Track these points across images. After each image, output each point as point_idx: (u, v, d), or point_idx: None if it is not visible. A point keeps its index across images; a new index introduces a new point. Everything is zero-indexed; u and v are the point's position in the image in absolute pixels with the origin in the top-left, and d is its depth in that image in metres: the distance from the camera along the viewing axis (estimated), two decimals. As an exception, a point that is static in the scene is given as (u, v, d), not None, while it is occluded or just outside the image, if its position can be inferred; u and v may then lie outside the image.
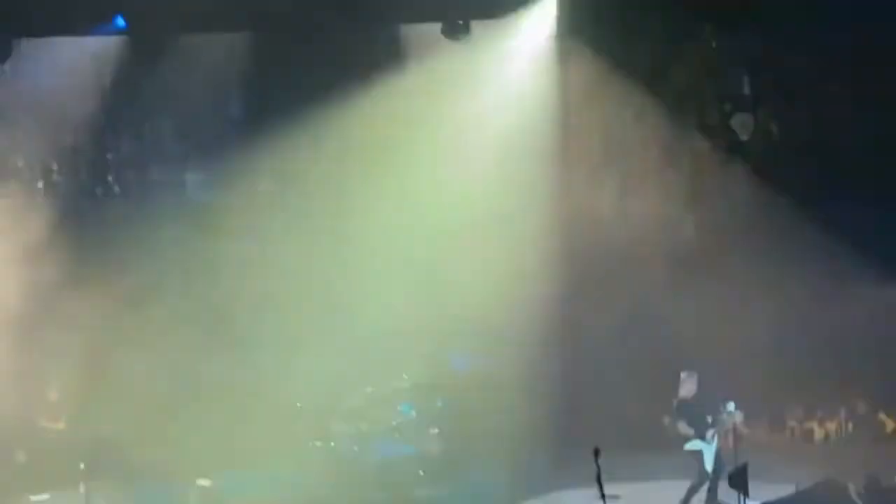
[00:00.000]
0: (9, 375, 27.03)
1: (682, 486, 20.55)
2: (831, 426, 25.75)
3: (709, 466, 20.19)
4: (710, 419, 20.32)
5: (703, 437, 20.22)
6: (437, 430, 23.29)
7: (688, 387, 20.60)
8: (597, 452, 15.34)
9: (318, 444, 22.92)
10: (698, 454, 20.27)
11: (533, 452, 25.68)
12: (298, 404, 24.25)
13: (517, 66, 25.91)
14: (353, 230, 25.83)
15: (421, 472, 22.47)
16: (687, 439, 20.31)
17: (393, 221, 25.55)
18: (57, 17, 24.73)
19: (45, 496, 24.98)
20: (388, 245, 25.41)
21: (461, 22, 24.99)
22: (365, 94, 25.43)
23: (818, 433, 25.79)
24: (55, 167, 26.99)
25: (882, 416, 25.61)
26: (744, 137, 26.41)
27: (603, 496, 15.42)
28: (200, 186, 27.68)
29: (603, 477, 15.31)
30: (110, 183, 27.51)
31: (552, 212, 25.75)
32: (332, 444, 22.81)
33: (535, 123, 25.78)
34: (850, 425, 25.79)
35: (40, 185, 26.67)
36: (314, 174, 25.95)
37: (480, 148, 25.59)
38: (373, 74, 25.78)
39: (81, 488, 23.97)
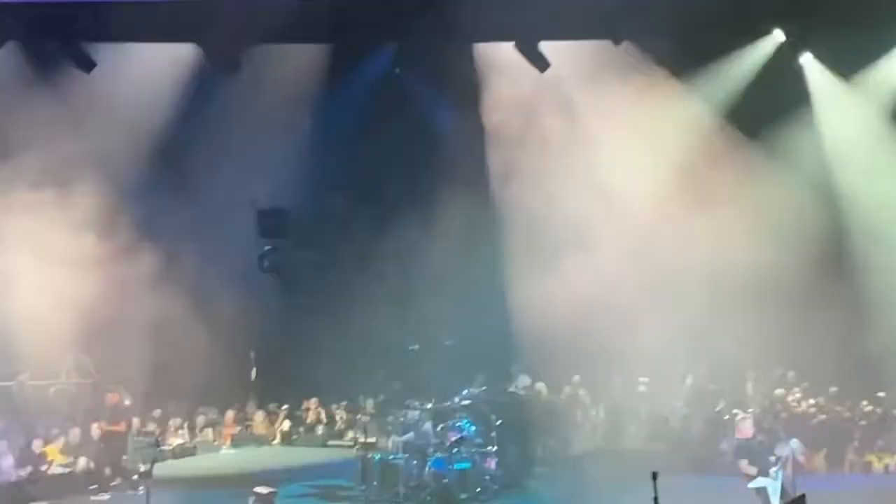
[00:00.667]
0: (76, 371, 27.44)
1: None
2: (890, 460, 25.68)
3: (775, 502, 20.09)
4: (771, 457, 20.22)
5: (766, 474, 20.13)
6: (495, 448, 23.25)
7: (745, 426, 20.52)
8: (654, 476, 15.35)
9: (378, 456, 22.95)
10: (763, 491, 20.17)
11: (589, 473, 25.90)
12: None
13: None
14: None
15: (478, 490, 22.45)
16: (751, 478, 20.23)
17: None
18: (137, 27, 24.99)
19: (105, 496, 25.20)
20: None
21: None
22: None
23: (877, 465, 25.71)
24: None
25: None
26: None
27: (660, 519, 15.41)
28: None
29: (660, 500, 15.34)
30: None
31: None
32: (391, 456, 22.84)
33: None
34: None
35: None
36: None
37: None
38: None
39: (141, 489, 24.20)
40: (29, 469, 25.86)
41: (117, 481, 25.66)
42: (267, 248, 28.06)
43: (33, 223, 25.47)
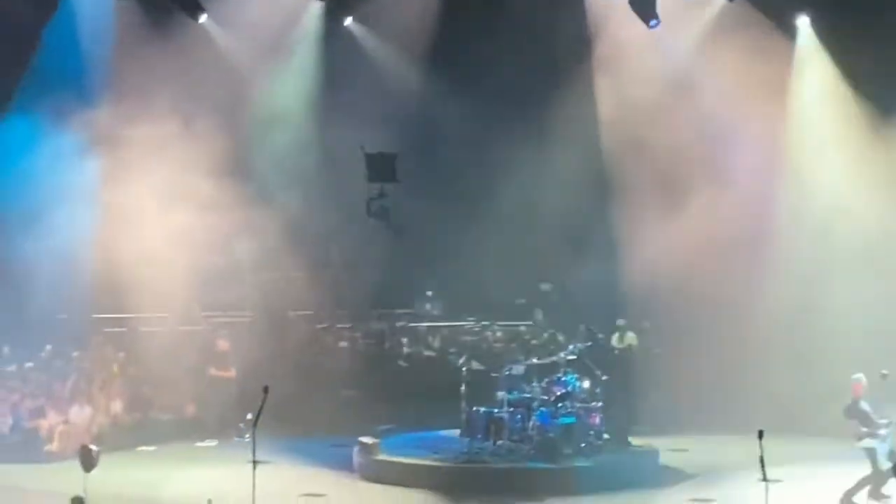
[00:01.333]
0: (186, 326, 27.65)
1: (845, 474, 20.13)
2: None
3: (883, 463, 19.77)
4: (883, 419, 19.90)
5: (876, 436, 19.83)
6: (600, 403, 23.08)
7: (859, 387, 20.21)
8: (761, 434, 15.18)
9: (483, 409, 22.88)
10: (872, 451, 19.88)
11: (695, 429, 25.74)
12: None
13: None
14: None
15: (582, 445, 22.33)
16: (860, 437, 19.93)
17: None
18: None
19: (212, 442, 25.44)
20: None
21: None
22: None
23: None
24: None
25: None
26: None
27: (765, 477, 15.24)
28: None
29: (765, 458, 15.18)
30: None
31: None
32: (496, 410, 22.77)
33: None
34: None
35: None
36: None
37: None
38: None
39: (247, 437, 24.39)
40: (137, 414, 26.22)
41: (224, 428, 25.91)
42: (375, 193, 27.94)
43: (151, 167, 25.62)
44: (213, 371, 25.89)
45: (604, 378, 23.49)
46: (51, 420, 24.81)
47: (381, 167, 27.81)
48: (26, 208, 24.95)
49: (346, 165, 27.69)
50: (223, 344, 26.08)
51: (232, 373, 25.79)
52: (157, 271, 25.35)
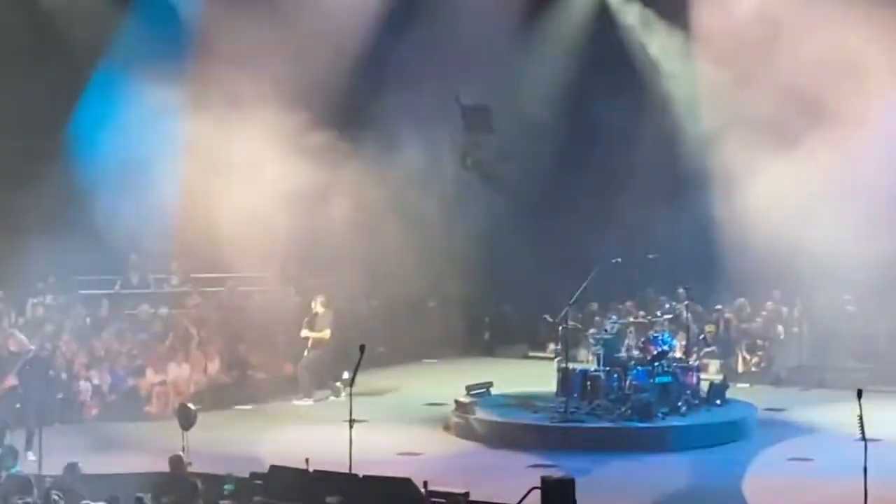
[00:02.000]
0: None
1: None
2: None
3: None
4: None
5: None
6: (696, 362, 22.95)
7: None
8: (860, 394, 15.00)
9: (579, 368, 22.84)
10: None
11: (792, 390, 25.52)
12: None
13: None
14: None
15: (679, 404, 22.20)
16: None
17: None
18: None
19: (308, 401, 25.58)
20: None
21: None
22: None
23: None
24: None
25: None
26: None
27: (864, 436, 15.06)
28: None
29: (864, 418, 15.00)
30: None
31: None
32: (592, 369, 22.71)
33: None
34: None
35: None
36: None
37: None
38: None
39: (342, 395, 24.53)
40: (234, 373, 26.42)
41: (320, 387, 26.04)
42: (470, 146, 27.86)
43: (250, 124, 25.72)
44: (307, 331, 25.96)
45: (700, 337, 23.36)
46: (149, 379, 25.07)
47: (476, 119, 27.72)
48: (124, 163, 25.12)
49: (440, 117, 27.60)
50: (318, 303, 26.14)
51: (326, 333, 25.88)
52: (255, 230, 25.47)
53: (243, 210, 25.47)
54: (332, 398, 25.47)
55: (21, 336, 21.87)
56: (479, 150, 28.05)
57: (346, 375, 23.76)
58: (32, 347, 21.76)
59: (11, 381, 21.08)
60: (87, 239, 24.86)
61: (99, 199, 25.32)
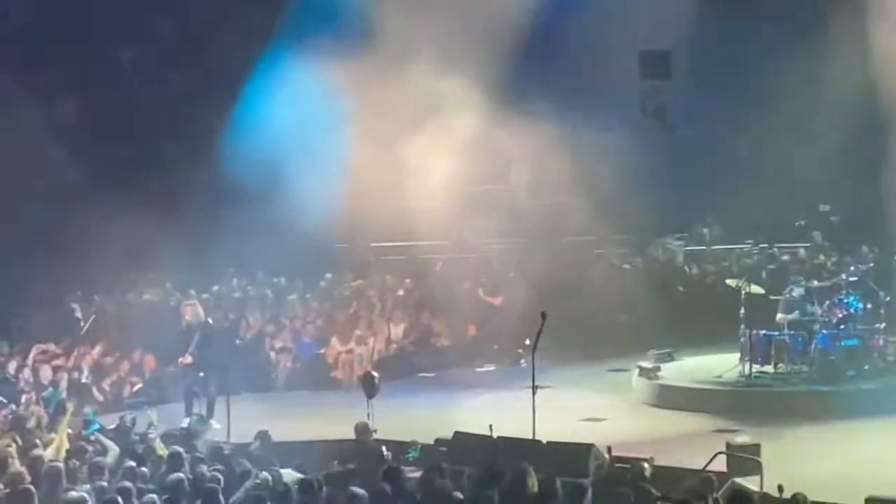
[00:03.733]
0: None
1: None
2: None
3: None
4: None
5: None
6: (883, 325, 22.51)
7: None
8: None
9: (763, 332, 22.56)
10: None
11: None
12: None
13: None
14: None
15: (866, 367, 21.83)
16: None
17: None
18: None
19: (490, 367, 25.70)
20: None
21: None
22: None
23: None
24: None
25: None
26: None
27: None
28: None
29: None
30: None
31: None
32: (777, 332, 22.43)
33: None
34: None
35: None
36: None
37: None
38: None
39: (522, 362, 24.60)
40: (418, 341, 26.65)
41: (502, 354, 26.17)
42: (649, 90, 27.54)
43: (424, 95, 25.79)
44: (489, 299, 26.01)
45: (887, 299, 22.90)
46: (335, 348, 25.43)
47: (654, 65, 27.39)
48: (296, 137, 25.43)
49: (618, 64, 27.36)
50: (495, 272, 26.21)
51: (498, 300, 25.88)
52: (434, 198, 25.61)
53: (422, 178, 25.63)
54: (515, 364, 25.53)
55: (199, 308, 22.22)
56: (659, 95, 27.65)
57: (528, 342, 23.77)
58: (209, 320, 22.12)
59: (188, 359, 21.57)
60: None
61: (281, 170, 25.61)
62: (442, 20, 25.65)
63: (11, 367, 22.84)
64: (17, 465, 14.97)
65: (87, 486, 14.01)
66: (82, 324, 25.30)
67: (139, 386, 23.77)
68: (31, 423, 18.66)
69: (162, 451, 16.56)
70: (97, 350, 23.98)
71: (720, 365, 22.96)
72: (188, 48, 28.59)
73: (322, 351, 25.43)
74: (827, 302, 22.68)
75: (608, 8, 27.33)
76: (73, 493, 13.38)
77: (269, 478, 14.56)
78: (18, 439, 17.12)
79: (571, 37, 27.54)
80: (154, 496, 13.61)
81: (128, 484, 13.84)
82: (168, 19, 28.05)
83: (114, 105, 28.01)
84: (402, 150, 25.76)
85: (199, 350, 21.45)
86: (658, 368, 22.68)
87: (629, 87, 28.51)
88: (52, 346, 24.01)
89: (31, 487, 13.60)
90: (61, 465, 14.78)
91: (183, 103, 27.78)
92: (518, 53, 26.76)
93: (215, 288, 27.18)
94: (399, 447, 17.71)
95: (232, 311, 25.98)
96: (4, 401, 21.52)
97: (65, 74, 27.11)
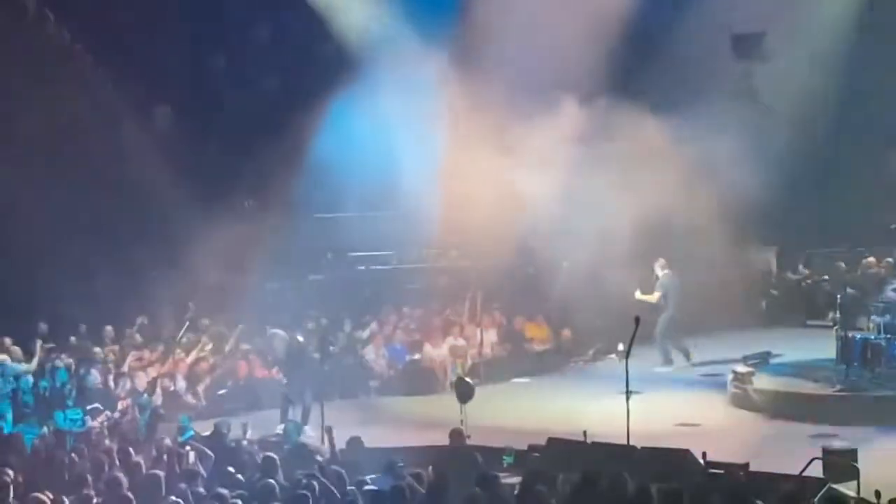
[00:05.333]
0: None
1: None
2: None
3: None
4: None
5: None
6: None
7: None
8: None
9: (859, 336, 22.31)
10: None
11: None
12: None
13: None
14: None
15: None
16: None
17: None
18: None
19: (668, 368, 25.49)
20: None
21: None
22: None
23: None
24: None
25: None
26: None
27: None
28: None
29: None
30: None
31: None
32: (873, 336, 22.17)
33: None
34: None
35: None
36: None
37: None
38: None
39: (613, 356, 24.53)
40: (510, 346, 26.65)
41: (596, 358, 26.22)
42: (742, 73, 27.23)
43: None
44: (639, 295, 25.73)
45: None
46: (427, 354, 25.49)
47: (748, 46, 27.09)
48: (390, 142, 25.54)
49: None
50: (658, 266, 25.97)
51: (654, 297, 25.50)
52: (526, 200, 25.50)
53: (513, 183, 25.59)
54: (609, 364, 25.49)
55: (281, 335, 22.40)
56: (752, 78, 27.30)
57: (620, 347, 23.68)
58: (298, 337, 22.30)
59: (277, 374, 21.76)
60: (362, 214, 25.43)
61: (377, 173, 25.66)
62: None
63: (109, 375, 23.12)
64: (114, 471, 15.15)
65: (185, 492, 14.13)
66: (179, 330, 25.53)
67: (226, 392, 24.00)
68: (128, 430, 18.93)
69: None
70: (192, 357, 24.20)
71: (815, 369, 22.74)
72: (281, 54, 28.71)
73: (416, 357, 25.50)
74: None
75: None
76: (171, 499, 13.51)
77: (363, 483, 14.61)
78: (116, 446, 17.34)
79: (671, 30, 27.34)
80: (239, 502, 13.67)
81: (223, 491, 13.94)
82: (261, 25, 28.17)
83: (208, 111, 28.22)
84: (491, 152, 25.71)
85: (290, 373, 21.74)
86: (752, 373, 22.49)
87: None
88: (146, 353, 24.29)
89: (130, 494, 13.75)
90: (160, 472, 14.92)
91: (275, 110, 27.88)
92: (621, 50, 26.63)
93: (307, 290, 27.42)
94: (493, 453, 17.70)
95: (325, 317, 26.13)
96: (100, 407, 21.84)
97: (161, 81, 27.35)
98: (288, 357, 21.83)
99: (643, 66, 26.98)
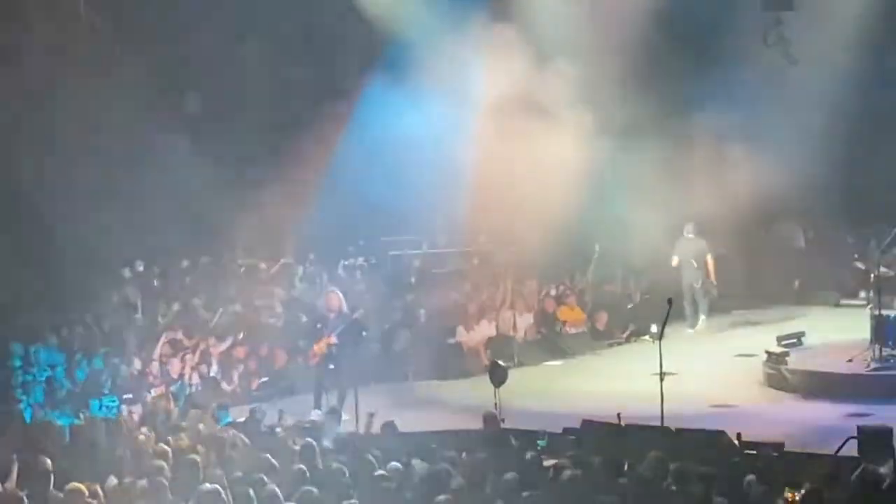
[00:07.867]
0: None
1: None
2: None
3: None
4: None
5: None
6: None
7: None
8: None
9: (893, 315, 22.22)
10: None
11: None
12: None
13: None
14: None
15: None
16: None
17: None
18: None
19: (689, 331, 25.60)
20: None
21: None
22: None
23: None
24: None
25: None
26: None
27: None
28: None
29: None
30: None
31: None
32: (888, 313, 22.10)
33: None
34: None
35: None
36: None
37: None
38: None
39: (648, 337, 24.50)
40: (544, 329, 26.64)
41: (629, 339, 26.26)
42: (772, 22, 26.92)
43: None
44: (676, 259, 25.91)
45: None
46: (461, 337, 25.50)
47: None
48: (421, 132, 25.53)
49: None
50: (687, 230, 26.07)
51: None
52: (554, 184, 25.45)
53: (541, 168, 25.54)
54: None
55: (342, 299, 22.28)
56: (781, 25, 27.01)
57: (654, 329, 23.66)
58: (347, 311, 22.16)
59: (333, 339, 21.61)
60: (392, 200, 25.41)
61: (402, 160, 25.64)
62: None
63: (137, 362, 23.15)
64: (150, 459, 15.21)
65: (220, 478, 14.16)
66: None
67: (265, 378, 24.03)
68: (163, 417, 18.98)
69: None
70: (226, 343, 24.22)
71: (849, 349, 22.66)
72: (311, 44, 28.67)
73: (450, 341, 25.50)
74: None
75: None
76: (207, 485, 13.55)
77: (398, 468, 14.62)
78: (152, 432, 17.40)
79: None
80: (276, 487, 13.67)
81: (260, 476, 13.97)
82: (290, 15, 28.10)
83: (238, 99, 28.19)
84: (520, 142, 25.66)
85: (339, 339, 21.59)
86: (786, 353, 22.43)
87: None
88: (180, 335, 24.17)
89: (165, 481, 13.81)
90: (198, 457, 14.96)
91: (302, 100, 27.87)
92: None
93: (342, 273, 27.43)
94: (527, 437, 17.69)
95: (360, 302, 26.10)
96: (134, 395, 21.91)
97: (190, 68, 27.34)
98: (343, 334, 21.73)
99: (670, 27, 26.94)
